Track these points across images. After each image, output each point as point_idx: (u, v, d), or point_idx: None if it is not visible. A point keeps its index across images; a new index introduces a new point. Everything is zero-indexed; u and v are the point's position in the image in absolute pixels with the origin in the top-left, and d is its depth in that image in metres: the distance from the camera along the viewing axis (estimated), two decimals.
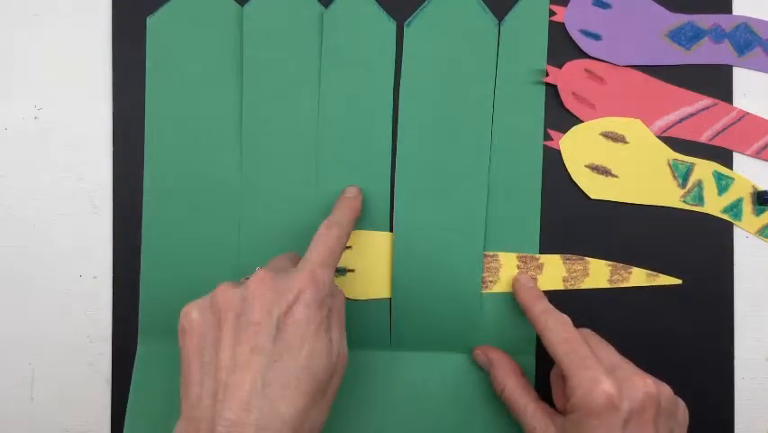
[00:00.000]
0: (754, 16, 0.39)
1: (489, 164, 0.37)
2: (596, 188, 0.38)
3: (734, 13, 0.39)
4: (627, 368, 0.30)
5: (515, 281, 0.37)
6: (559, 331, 0.32)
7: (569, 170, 0.38)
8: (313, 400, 0.28)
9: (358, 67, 0.37)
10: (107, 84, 0.37)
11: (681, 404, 0.32)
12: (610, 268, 0.38)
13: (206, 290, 0.36)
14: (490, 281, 0.37)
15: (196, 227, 0.37)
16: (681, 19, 0.39)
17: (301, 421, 0.27)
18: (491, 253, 0.38)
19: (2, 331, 0.38)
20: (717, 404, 0.38)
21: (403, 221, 0.37)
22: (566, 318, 0.33)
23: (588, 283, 0.38)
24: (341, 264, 0.37)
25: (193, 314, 0.29)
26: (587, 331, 0.34)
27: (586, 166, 0.38)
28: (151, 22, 0.37)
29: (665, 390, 0.30)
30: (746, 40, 0.39)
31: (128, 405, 0.36)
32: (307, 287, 0.28)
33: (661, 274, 0.38)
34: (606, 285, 0.38)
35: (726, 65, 0.39)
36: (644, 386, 0.29)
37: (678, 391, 0.38)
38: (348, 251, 0.37)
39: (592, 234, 0.38)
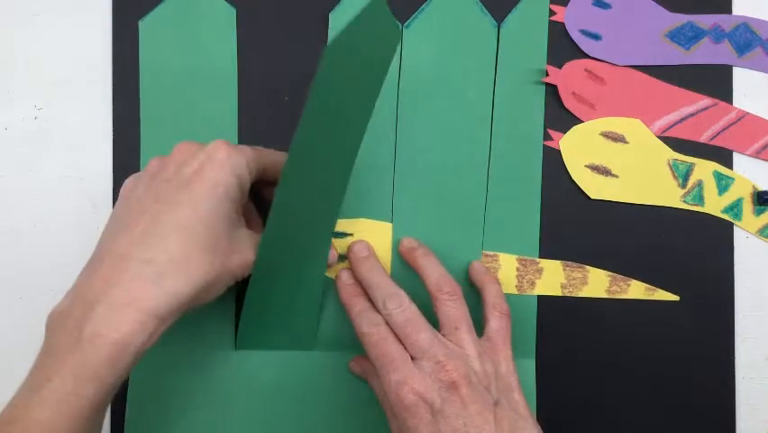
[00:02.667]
0: (754, 16, 0.39)
1: (488, 165, 0.37)
2: (596, 188, 0.38)
3: (734, 13, 0.39)
4: (437, 350, 0.31)
5: (337, 279, 0.36)
6: (371, 334, 0.32)
7: (569, 170, 0.38)
8: (206, 249, 0.29)
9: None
10: (107, 84, 0.37)
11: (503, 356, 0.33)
12: (609, 279, 0.38)
13: None
14: None
15: None
16: (681, 19, 0.39)
17: (187, 264, 0.28)
18: (491, 253, 0.38)
19: (2, 331, 0.38)
20: (717, 404, 0.38)
21: (403, 220, 0.37)
22: (379, 319, 0.33)
23: (585, 292, 0.38)
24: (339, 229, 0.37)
25: (128, 182, 0.31)
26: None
27: (586, 166, 0.38)
28: (143, 24, 0.37)
29: (474, 362, 0.31)
30: (746, 40, 0.39)
31: (127, 407, 0.36)
32: (221, 151, 0.30)
33: (659, 289, 0.38)
34: (604, 295, 0.38)
35: (726, 65, 0.39)
36: (453, 369, 0.30)
37: (678, 391, 0.38)
38: (348, 238, 0.37)
39: (592, 234, 0.38)
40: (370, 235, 0.37)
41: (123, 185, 0.31)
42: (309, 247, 0.34)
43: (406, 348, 0.31)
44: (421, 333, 0.31)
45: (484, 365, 0.31)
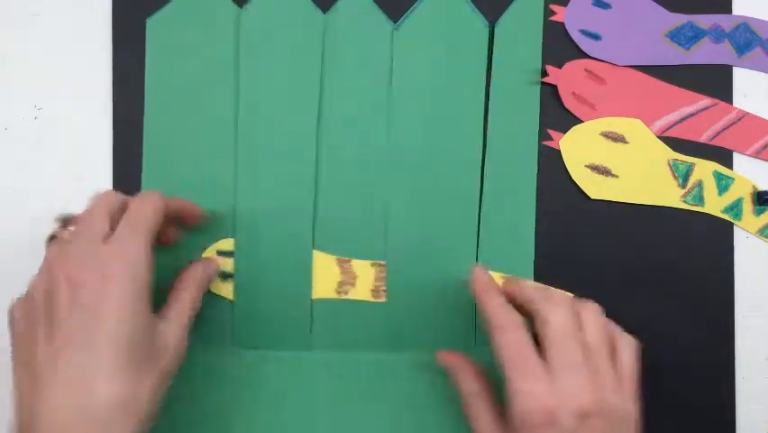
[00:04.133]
0: (754, 16, 0.39)
1: (482, 166, 0.37)
2: (596, 188, 0.38)
3: (734, 13, 0.39)
4: (573, 373, 0.29)
5: (471, 273, 0.34)
6: (507, 331, 0.30)
7: (569, 170, 0.38)
8: (141, 376, 0.27)
9: (359, 70, 0.37)
10: (107, 84, 0.37)
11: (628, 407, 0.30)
12: (503, 280, 0.37)
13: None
14: None
15: (194, 228, 0.37)
16: (681, 19, 0.39)
17: (130, 404, 0.27)
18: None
19: (2, 331, 0.38)
20: (717, 404, 0.38)
21: (398, 222, 0.37)
22: (518, 318, 0.30)
23: None
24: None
25: (16, 315, 0.29)
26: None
27: (586, 166, 0.38)
28: (151, 23, 0.37)
29: (610, 397, 0.29)
30: (746, 40, 0.39)
31: None
32: (114, 262, 0.28)
33: (552, 288, 0.37)
34: None
35: (726, 65, 0.39)
36: (588, 394, 0.28)
37: (678, 392, 0.38)
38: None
39: (592, 234, 0.38)
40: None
41: (10, 318, 0.29)
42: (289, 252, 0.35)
43: (548, 353, 0.29)
44: (578, 346, 0.29)
45: (625, 403, 0.30)
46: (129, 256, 0.28)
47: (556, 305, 0.30)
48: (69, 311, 0.27)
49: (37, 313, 0.28)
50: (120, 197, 0.31)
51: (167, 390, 0.29)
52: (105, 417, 0.26)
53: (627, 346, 0.31)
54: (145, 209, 0.30)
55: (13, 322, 0.29)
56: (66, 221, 0.32)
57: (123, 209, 0.30)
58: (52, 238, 0.31)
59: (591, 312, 0.31)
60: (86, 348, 0.27)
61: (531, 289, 0.32)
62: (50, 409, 0.26)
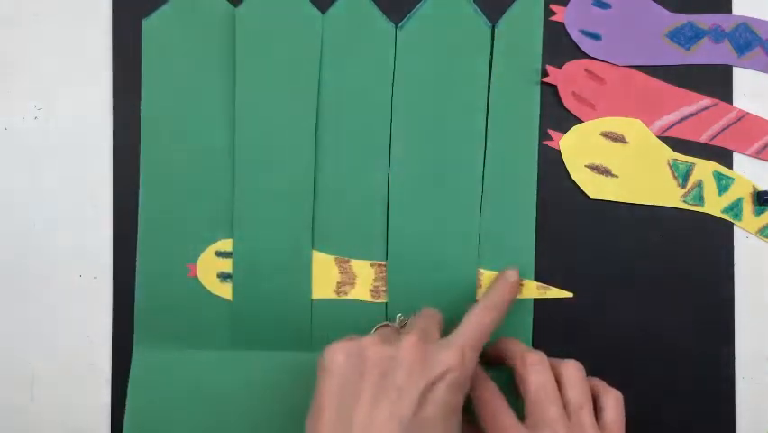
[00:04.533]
0: (754, 16, 0.39)
1: (483, 165, 0.37)
2: (596, 188, 0.38)
3: (734, 13, 0.39)
4: (560, 428, 0.30)
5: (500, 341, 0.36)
6: (485, 399, 0.31)
7: (569, 170, 0.38)
8: None
9: (357, 70, 0.37)
10: (107, 84, 0.37)
11: None
12: None
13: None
14: None
15: (191, 229, 0.37)
16: (681, 19, 0.39)
17: None
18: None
19: (2, 331, 0.38)
20: (717, 404, 0.38)
21: (398, 222, 0.37)
22: (492, 385, 0.32)
23: (481, 294, 0.37)
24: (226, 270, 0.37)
25: (339, 357, 0.28)
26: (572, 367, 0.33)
27: (586, 166, 0.38)
28: (147, 24, 0.37)
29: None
30: (746, 40, 0.39)
31: (125, 413, 0.36)
32: (456, 367, 0.28)
33: (552, 287, 0.38)
34: None
35: (726, 65, 0.39)
36: None
37: (678, 392, 0.38)
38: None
39: (592, 234, 0.38)
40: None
41: (331, 357, 0.29)
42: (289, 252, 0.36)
43: (526, 413, 0.30)
44: (553, 405, 0.30)
45: None
46: (466, 367, 0.29)
47: (533, 365, 0.31)
48: (402, 386, 0.27)
49: (369, 368, 0.28)
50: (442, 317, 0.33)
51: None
52: None
53: (612, 401, 0.32)
54: (479, 326, 0.31)
55: (334, 362, 0.29)
56: (402, 324, 0.34)
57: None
58: (382, 326, 0.33)
59: (571, 370, 0.32)
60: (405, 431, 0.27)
61: (510, 349, 0.33)
62: None
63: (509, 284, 0.35)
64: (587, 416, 0.31)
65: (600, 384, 0.33)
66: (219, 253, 0.37)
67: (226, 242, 0.37)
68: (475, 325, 0.31)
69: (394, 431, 0.26)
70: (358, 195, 0.37)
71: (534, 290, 0.38)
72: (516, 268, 0.36)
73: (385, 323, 0.33)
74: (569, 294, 0.38)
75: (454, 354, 0.28)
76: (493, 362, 0.35)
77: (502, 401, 0.31)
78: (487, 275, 0.37)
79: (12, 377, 0.38)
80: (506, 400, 0.31)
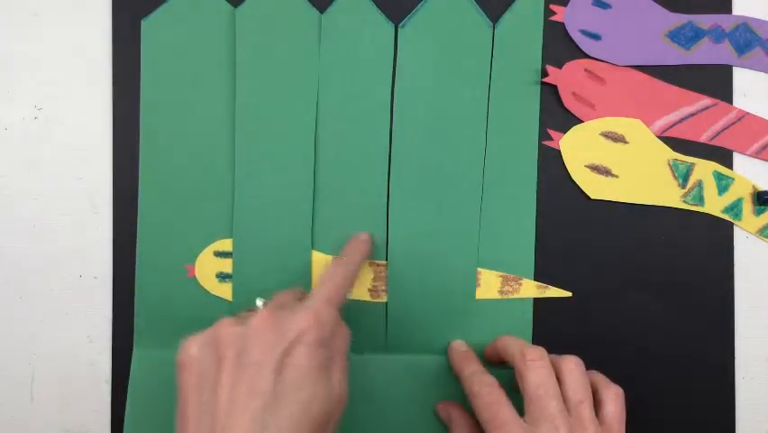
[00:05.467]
0: (754, 16, 0.39)
1: (483, 165, 0.37)
2: (596, 188, 0.38)
3: (734, 13, 0.39)
4: (550, 427, 0.29)
5: (448, 346, 0.37)
6: (483, 395, 0.31)
7: (569, 170, 0.38)
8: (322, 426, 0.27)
9: (356, 70, 0.37)
10: (107, 84, 0.37)
11: None
12: (501, 279, 0.38)
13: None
14: None
15: (190, 229, 0.37)
16: (681, 19, 0.39)
17: None
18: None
19: (2, 331, 0.38)
20: (717, 404, 0.38)
21: (398, 223, 0.37)
22: (492, 380, 0.32)
23: (479, 294, 0.38)
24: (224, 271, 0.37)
25: (192, 349, 0.28)
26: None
27: (586, 166, 0.38)
28: (146, 24, 0.37)
29: None
30: (746, 40, 0.39)
31: (126, 413, 0.36)
32: (310, 327, 0.28)
33: (551, 287, 0.38)
34: (496, 296, 0.38)
35: (726, 65, 0.39)
36: None
37: (678, 392, 0.38)
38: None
39: (592, 234, 0.38)
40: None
41: (185, 352, 0.28)
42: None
43: (526, 408, 0.30)
44: (553, 400, 0.30)
45: None
46: (322, 324, 0.29)
47: (533, 360, 0.32)
48: (260, 361, 0.27)
49: (223, 353, 0.28)
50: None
51: None
52: None
53: (613, 396, 0.32)
54: (344, 277, 0.32)
55: (189, 356, 0.28)
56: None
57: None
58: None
59: (571, 365, 0.32)
60: (270, 403, 0.26)
61: (510, 346, 0.34)
62: None
63: (360, 241, 0.35)
64: (587, 410, 0.31)
65: (601, 379, 0.33)
66: (218, 254, 0.37)
67: (225, 242, 0.37)
68: (327, 282, 0.31)
69: (256, 406, 0.26)
70: (358, 195, 0.37)
71: (533, 289, 0.38)
72: (366, 232, 0.36)
73: (250, 309, 0.33)
74: (568, 294, 0.38)
75: (306, 316, 0.28)
76: (494, 361, 0.36)
77: (501, 396, 0.31)
78: (487, 275, 0.37)
79: (12, 377, 0.38)
80: (505, 395, 0.31)
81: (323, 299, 0.30)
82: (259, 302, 0.30)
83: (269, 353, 0.27)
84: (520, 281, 0.37)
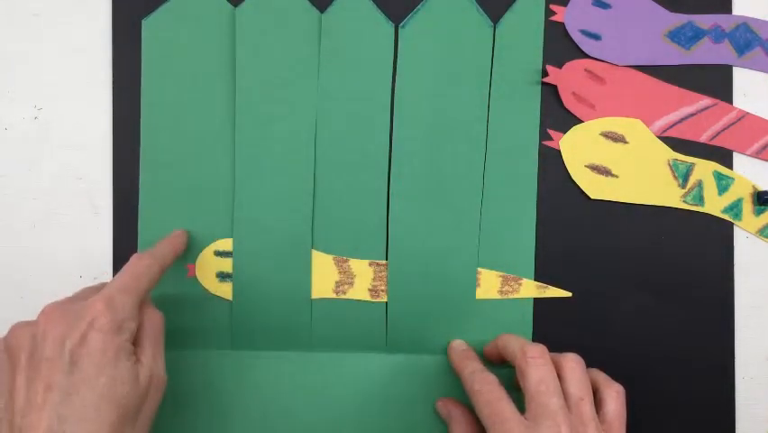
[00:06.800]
0: (754, 16, 0.39)
1: (484, 166, 0.37)
2: (596, 188, 0.38)
3: (734, 13, 0.39)
4: (552, 424, 0.29)
5: (448, 346, 0.37)
6: (483, 393, 0.31)
7: (569, 170, 0.38)
8: (119, 428, 0.27)
9: (356, 70, 0.37)
10: (107, 84, 0.37)
11: None
12: (501, 279, 0.38)
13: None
14: None
15: (190, 229, 0.37)
16: (681, 19, 0.39)
17: None
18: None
19: (2, 331, 0.38)
20: (717, 404, 0.38)
21: (398, 222, 0.37)
22: (493, 378, 0.32)
23: (479, 294, 0.38)
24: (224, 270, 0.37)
25: None
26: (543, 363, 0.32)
27: (586, 166, 0.38)
28: (147, 23, 0.37)
29: None
30: (746, 40, 0.39)
31: None
32: (101, 313, 0.28)
33: (551, 287, 0.38)
34: (496, 296, 0.38)
35: (726, 65, 0.39)
36: None
37: (678, 392, 0.38)
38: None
39: (592, 234, 0.38)
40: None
41: None
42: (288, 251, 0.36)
43: (527, 405, 0.30)
44: (554, 396, 0.30)
45: None
46: (115, 309, 0.28)
47: (534, 358, 0.32)
48: (52, 355, 0.27)
49: (15, 354, 0.28)
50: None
51: (151, 426, 0.30)
52: None
53: (614, 394, 0.32)
54: (142, 268, 0.31)
55: None
56: None
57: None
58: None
59: (572, 363, 0.32)
60: (67, 395, 0.26)
61: (511, 344, 0.34)
62: None
63: (172, 236, 0.35)
64: (587, 408, 0.31)
65: (602, 377, 0.33)
66: (218, 253, 0.37)
67: (226, 241, 0.37)
68: (125, 271, 0.31)
69: (53, 401, 0.26)
70: (358, 195, 0.37)
71: (533, 289, 0.38)
72: (183, 230, 0.36)
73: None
74: (568, 293, 0.38)
75: (97, 302, 0.28)
76: (494, 360, 0.36)
77: (502, 393, 0.31)
78: (486, 275, 0.37)
79: None
80: (506, 393, 0.31)
81: (116, 288, 0.30)
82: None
83: (60, 345, 0.27)
84: (520, 281, 0.37)
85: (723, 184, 0.39)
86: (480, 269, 0.37)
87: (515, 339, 0.34)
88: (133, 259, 0.32)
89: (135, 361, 0.29)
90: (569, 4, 0.38)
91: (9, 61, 0.38)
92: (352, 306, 0.37)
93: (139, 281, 0.31)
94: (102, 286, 0.33)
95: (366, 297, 0.37)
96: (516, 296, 0.38)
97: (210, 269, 0.37)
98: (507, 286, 0.38)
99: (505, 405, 0.31)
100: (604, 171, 0.38)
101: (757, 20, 0.39)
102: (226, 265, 0.37)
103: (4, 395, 0.27)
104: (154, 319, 0.31)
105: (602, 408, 0.32)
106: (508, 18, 0.38)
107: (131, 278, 0.31)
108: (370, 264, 0.37)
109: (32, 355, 0.27)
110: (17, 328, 0.28)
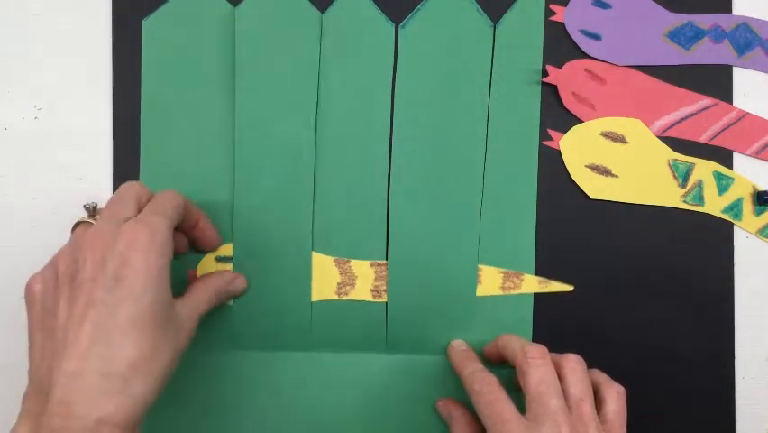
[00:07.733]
0: (754, 16, 0.39)
1: (484, 166, 0.37)
2: (596, 188, 0.38)
3: (734, 13, 0.39)
4: (552, 424, 0.29)
5: (449, 346, 0.37)
6: (484, 393, 0.32)
7: (569, 170, 0.38)
8: (160, 340, 0.28)
9: (356, 69, 0.37)
10: (107, 84, 0.37)
11: None
12: (502, 275, 0.38)
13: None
14: None
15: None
16: (681, 19, 0.39)
17: (149, 363, 0.28)
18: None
19: (2, 332, 0.38)
20: (717, 404, 0.38)
21: (399, 222, 0.37)
22: (493, 379, 0.32)
23: (479, 291, 0.38)
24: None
25: (35, 286, 0.30)
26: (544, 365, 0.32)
27: (586, 166, 0.38)
28: (147, 23, 0.37)
29: None
30: (746, 40, 0.39)
31: None
32: (140, 234, 0.28)
33: (552, 281, 0.38)
34: (498, 292, 0.38)
35: (726, 65, 0.39)
36: None
37: (678, 392, 0.38)
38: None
39: (592, 234, 0.38)
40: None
41: (29, 290, 0.30)
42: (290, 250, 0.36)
43: (527, 406, 0.30)
44: (554, 397, 0.30)
45: None
46: (154, 232, 0.29)
47: (534, 358, 0.32)
48: (94, 276, 0.28)
49: (61, 280, 0.29)
50: (146, 188, 0.32)
51: (177, 365, 0.30)
52: (124, 374, 0.27)
53: (614, 395, 0.32)
54: (169, 199, 0.32)
55: (33, 293, 0.30)
56: (93, 209, 0.33)
57: (148, 199, 0.32)
58: (77, 225, 0.32)
59: (572, 363, 0.32)
60: (110, 310, 0.27)
61: (511, 344, 0.34)
62: (72, 368, 0.27)
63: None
64: (588, 408, 0.31)
65: (603, 378, 0.33)
66: (219, 259, 0.37)
67: (226, 247, 0.37)
68: (161, 200, 0.31)
69: (94, 315, 0.27)
70: (358, 195, 0.37)
71: (534, 284, 0.38)
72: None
73: (78, 220, 0.33)
74: (569, 287, 0.38)
75: (135, 224, 0.29)
76: (494, 360, 0.36)
77: (502, 394, 0.31)
78: (488, 271, 0.37)
79: (12, 378, 0.37)
80: (506, 393, 0.32)
81: (156, 211, 0.30)
82: (87, 206, 0.32)
83: (102, 263, 0.28)
84: (522, 277, 0.38)
85: (723, 184, 0.39)
86: (481, 265, 0.37)
87: (515, 339, 0.34)
88: (156, 196, 0.32)
89: (176, 299, 0.31)
90: (569, 4, 0.38)
91: (9, 61, 0.38)
92: (352, 306, 0.37)
93: (174, 210, 0.31)
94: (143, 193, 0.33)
95: (368, 297, 0.37)
96: (518, 291, 0.38)
97: None
98: (509, 282, 0.38)
99: (505, 405, 0.31)
100: (604, 171, 0.38)
101: (757, 20, 0.39)
102: (227, 269, 0.37)
103: (50, 316, 0.29)
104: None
105: (603, 408, 0.32)
106: (508, 18, 0.38)
107: (168, 204, 0.31)
108: (372, 265, 0.37)
109: (75, 278, 0.29)
110: (64, 254, 0.30)
